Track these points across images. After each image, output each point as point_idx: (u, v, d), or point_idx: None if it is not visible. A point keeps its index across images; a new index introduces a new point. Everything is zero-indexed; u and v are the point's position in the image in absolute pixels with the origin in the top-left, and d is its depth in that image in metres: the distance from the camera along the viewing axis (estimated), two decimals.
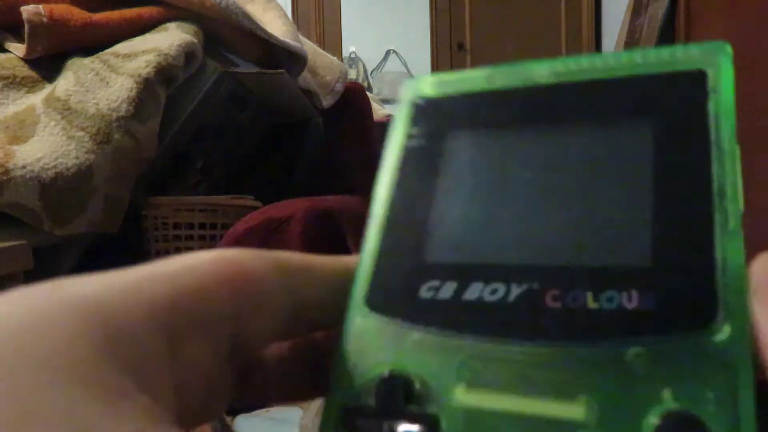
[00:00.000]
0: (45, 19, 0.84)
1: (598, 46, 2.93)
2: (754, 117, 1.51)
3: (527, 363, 0.14)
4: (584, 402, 0.14)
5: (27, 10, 0.83)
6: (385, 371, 0.15)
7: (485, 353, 0.15)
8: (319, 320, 0.18)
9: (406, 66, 3.29)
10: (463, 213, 0.17)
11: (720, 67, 0.17)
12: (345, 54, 3.16)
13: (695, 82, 0.17)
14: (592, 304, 0.15)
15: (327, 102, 1.18)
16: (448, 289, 0.16)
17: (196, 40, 0.91)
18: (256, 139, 1.13)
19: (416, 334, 0.16)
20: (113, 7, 0.93)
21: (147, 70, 0.84)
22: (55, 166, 0.76)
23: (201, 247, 0.90)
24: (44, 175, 0.75)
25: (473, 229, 0.17)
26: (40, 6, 0.84)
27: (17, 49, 0.88)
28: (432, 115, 0.19)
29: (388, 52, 3.30)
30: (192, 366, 0.14)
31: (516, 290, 0.15)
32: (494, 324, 0.15)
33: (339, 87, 1.22)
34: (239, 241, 0.77)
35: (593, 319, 0.14)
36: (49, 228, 0.77)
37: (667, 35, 1.84)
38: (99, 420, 0.11)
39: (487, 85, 0.19)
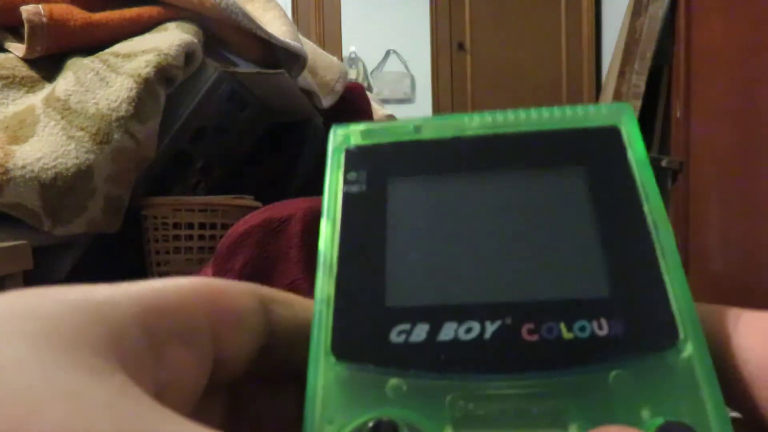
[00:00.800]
0: (45, 19, 0.84)
1: (598, 46, 2.93)
2: (754, 118, 1.51)
3: (514, 397, 0.15)
4: (576, 429, 0.14)
5: (27, 10, 0.83)
6: (368, 422, 0.15)
7: (471, 392, 0.15)
8: (294, 359, 0.18)
9: (406, 66, 3.29)
10: (419, 257, 0.18)
11: (629, 125, 0.19)
12: (345, 54, 3.16)
13: (613, 136, 0.19)
14: (566, 334, 0.15)
15: (327, 102, 1.18)
16: (420, 332, 0.16)
17: (196, 40, 0.91)
18: (256, 139, 1.13)
19: (394, 380, 0.15)
20: (113, 7, 0.93)
21: (147, 70, 0.84)
22: (54, 166, 0.76)
23: (201, 247, 0.90)
24: (44, 175, 0.75)
25: (432, 272, 0.17)
26: (40, 6, 0.84)
27: (17, 48, 0.88)
28: (368, 162, 0.19)
29: (388, 52, 3.30)
30: (173, 372, 0.15)
31: (491, 327, 0.16)
32: (475, 361, 0.15)
33: (339, 87, 1.22)
34: (239, 241, 0.77)
35: (571, 348, 0.15)
36: (49, 228, 0.77)
37: (667, 35, 1.84)
38: (79, 381, 0.12)
39: (417, 136, 0.20)
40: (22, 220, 0.76)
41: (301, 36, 1.11)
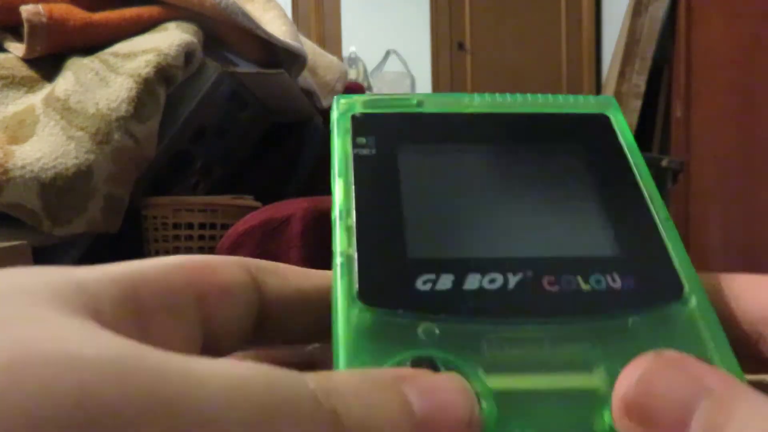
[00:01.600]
0: (44, 19, 0.84)
1: (598, 46, 2.93)
2: (754, 118, 1.51)
3: (543, 341, 0.16)
4: (602, 371, 0.15)
5: (26, 10, 0.83)
6: (406, 359, 0.15)
7: (501, 336, 0.16)
8: (291, 327, 0.18)
9: (406, 66, 3.29)
10: (436, 214, 0.18)
11: (616, 114, 0.21)
12: (345, 54, 3.16)
13: (604, 122, 0.21)
14: (584, 286, 0.17)
15: (327, 102, 1.18)
16: (445, 281, 0.16)
17: (196, 40, 0.91)
18: (256, 139, 1.13)
19: (425, 324, 0.16)
20: (113, 7, 0.93)
21: (147, 70, 0.84)
22: (54, 166, 0.76)
23: (201, 248, 0.90)
24: (44, 175, 0.75)
25: (451, 229, 0.18)
26: (40, 6, 0.84)
27: (17, 48, 0.88)
28: (376, 128, 0.20)
29: (388, 52, 3.30)
30: (160, 343, 0.14)
31: (513, 279, 0.17)
32: (502, 308, 0.16)
33: (339, 87, 1.22)
34: (239, 241, 0.77)
35: (590, 297, 0.16)
36: (49, 228, 0.77)
37: (667, 35, 1.84)
38: (35, 315, 0.11)
39: (420, 109, 0.21)
40: (22, 220, 0.76)
41: (301, 36, 1.11)
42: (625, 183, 0.19)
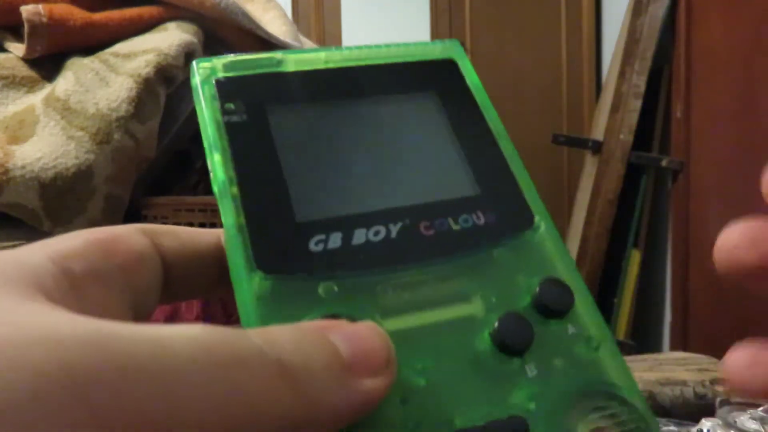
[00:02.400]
0: (44, 19, 0.84)
1: (598, 46, 2.93)
2: (754, 118, 1.51)
3: (427, 282, 0.18)
4: (478, 299, 0.18)
5: (26, 10, 0.83)
6: (316, 318, 0.16)
7: (390, 283, 0.18)
8: (192, 283, 0.20)
9: None
10: (314, 176, 0.19)
11: (462, 58, 0.23)
12: None
13: (451, 66, 0.23)
14: (455, 226, 0.19)
15: None
16: (335, 239, 0.18)
17: (196, 40, 0.91)
18: None
19: (324, 284, 0.17)
20: (113, 7, 0.93)
21: (147, 70, 0.84)
22: (54, 166, 0.76)
23: None
24: (44, 175, 0.75)
25: (330, 188, 0.19)
26: (40, 6, 0.84)
27: (17, 48, 0.88)
28: (242, 92, 0.20)
29: None
30: (97, 311, 0.15)
31: (394, 228, 0.19)
32: (389, 257, 0.18)
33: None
34: None
35: (460, 236, 0.19)
36: (49, 228, 0.77)
37: (667, 35, 1.84)
38: (18, 308, 0.13)
39: (281, 68, 0.21)
40: (22, 220, 0.76)
41: (301, 36, 1.11)
42: (475, 125, 0.21)
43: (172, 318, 0.76)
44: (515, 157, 0.21)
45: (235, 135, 0.19)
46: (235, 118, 0.19)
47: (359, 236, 0.18)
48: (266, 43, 1.01)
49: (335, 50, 0.22)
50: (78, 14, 0.87)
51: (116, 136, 0.81)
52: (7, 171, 0.73)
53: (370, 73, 0.22)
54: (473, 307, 0.18)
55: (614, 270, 1.83)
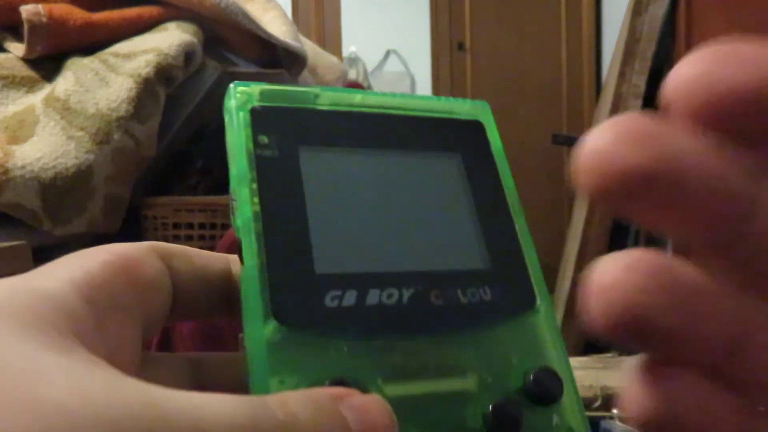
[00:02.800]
0: (44, 19, 0.84)
1: (598, 46, 2.94)
2: None
3: (429, 351, 0.18)
4: (474, 375, 0.19)
5: (26, 10, 0.83)
6: (323, 379, 0.17)
7: (396, 349, 0.18)
8: (196, 306, 0.20)
9: (406, 66, 3.29)
10: (338, 226, 0.20)
11: (489, 119, 0.23)
12: (345, 54, 3.16)
13: (478, 129, 0.23)
14: (462, 299, 0.20)
15: None
16: (350, 297, 0.18)
17: (196, 40, 0.91)
18: None
19: (333, 341, 0.17)
20: (113, 7, 0.93)
21: (147, 70, 0.84)
22: (54, 166, 0.76)
23: (201, 248, 0.90)
24: (44, 175, 0.75)
25: (353, 242, 0.20)
26: (40, 6, 0.84)
27: (17, 48, 0.88)
28: (276, 125, 0.20)
29: (388, 52, 3.30)
30: (115, 342, 0.16)
31: (407, 293, 0.19)
32: (398, 323, 0.19)
33: (339, 87, 1.22)
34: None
35: (466, 310, 0.19)
36: (49, 228, 0.77)
37: (667, 35, 1.84)
38: (61, 363, 0.13)
39: (316, 104, 0.21)
40: (22, 220, 0.76)
41: (301, 36, 1.11)
42: (494, 196, 0.22)
43: (166, 329, 0.76)
44: (526, 232, 0.22)
45: (264, 170, 0.19)
46: (267, 153, 0.19)
47: (373, 296, 0.18)
48: (266, 43, 1.01)
49: (370, 94, 0.22)
50: (78, 14, 0.87)
51: (116, 136, 0.81)
52: (7, 171, 0.73)
53: (400, 125, 0.22)
54: (469, 383, 0.18)
55: None
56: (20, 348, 0.13)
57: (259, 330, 0.17)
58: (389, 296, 0.19)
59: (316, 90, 0.21)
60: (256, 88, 0.21)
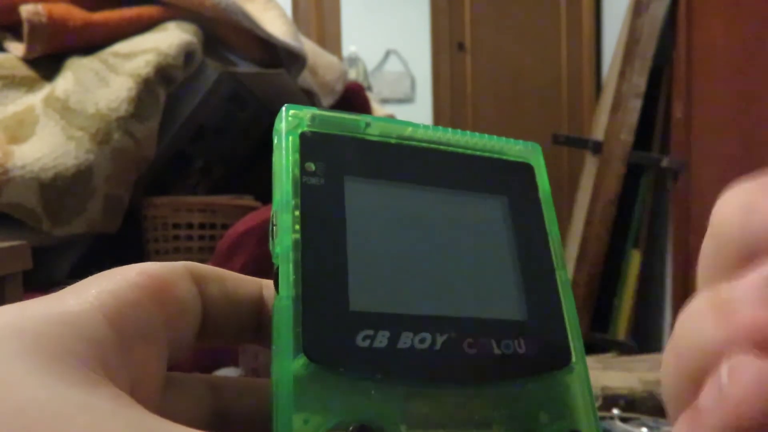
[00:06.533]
0: (44, 19, 0.84)
1: (598, 46, 2.93)
2: (754, 118, 1.51)
3: (457, 401, 0.18)
4: (501, 429, 0.18)
5: (26, 10, 0.83)
6: (347, 423, 0.16)
7: (424, 396, 0.18)
8: (224, 330, 0.19)
9: (406, 66, 3.29)
10: (376, 264, 0.19)
11: (540, 162, 0.23)
12: (345, 54, 3.16)
13: (527, 172, 0.23)
14: (496, 350, 0.19)
15: (327, 102, 1.18)
16: (382, 339, 0.18)
17: (195, 40, 0.91)
18: (256, 139, 1.13)
19: (362, 383, 0.17)
20: (113, 7, 0.93)
21: (146, 70, 0.84)
22: (54, 166, 0.76)
23: (201, 248, 0.90)
24: (43, 175, 0.75)
25: (389, 281, 0.19)
26: (40, 5, 0.84)
27: (16, 48, 0.88)
28: (324, 153, 0.20)
29: (388, 52, 3.30)
30: (140, 369, 0.16)
31: (440, 339, 0.18)
32: (427, 370, 0.18)
33: (339, 87, 1.22)
34: (239, 241, 0.77)
35: (498, 362, 0.19)
36: (49, 228, 0.77)
37: (668, 35, 1.84)
38: (84, 402, 0.13)
39: (366, 133, 0.21)
40: (22, 220, 0.76)
41: (301, 36, 1.11)
42: (539, 243, 0.21)
43: None
44: (567, 284, 0.21)
45: (308, 198, 0.19)
46: (312, 180, 0.19)
47: (405, 340, 0.18)
48: (266, 43, 1.01)
49: (421, 127, 0.22)
50: (78, 14, 0.87)
51: (116, 136, 0.81)
52: (6, 171, 0.73)
53: (449, 161, 0.22)
54: None
55: (614, 270, 1.83)
56: (44, 384, 0.13)
57: (288, 364, 0.17)
58: (422, 341, 0.18)
59: (367, 119, 0.21)
60: (307, 113, 0.20)
